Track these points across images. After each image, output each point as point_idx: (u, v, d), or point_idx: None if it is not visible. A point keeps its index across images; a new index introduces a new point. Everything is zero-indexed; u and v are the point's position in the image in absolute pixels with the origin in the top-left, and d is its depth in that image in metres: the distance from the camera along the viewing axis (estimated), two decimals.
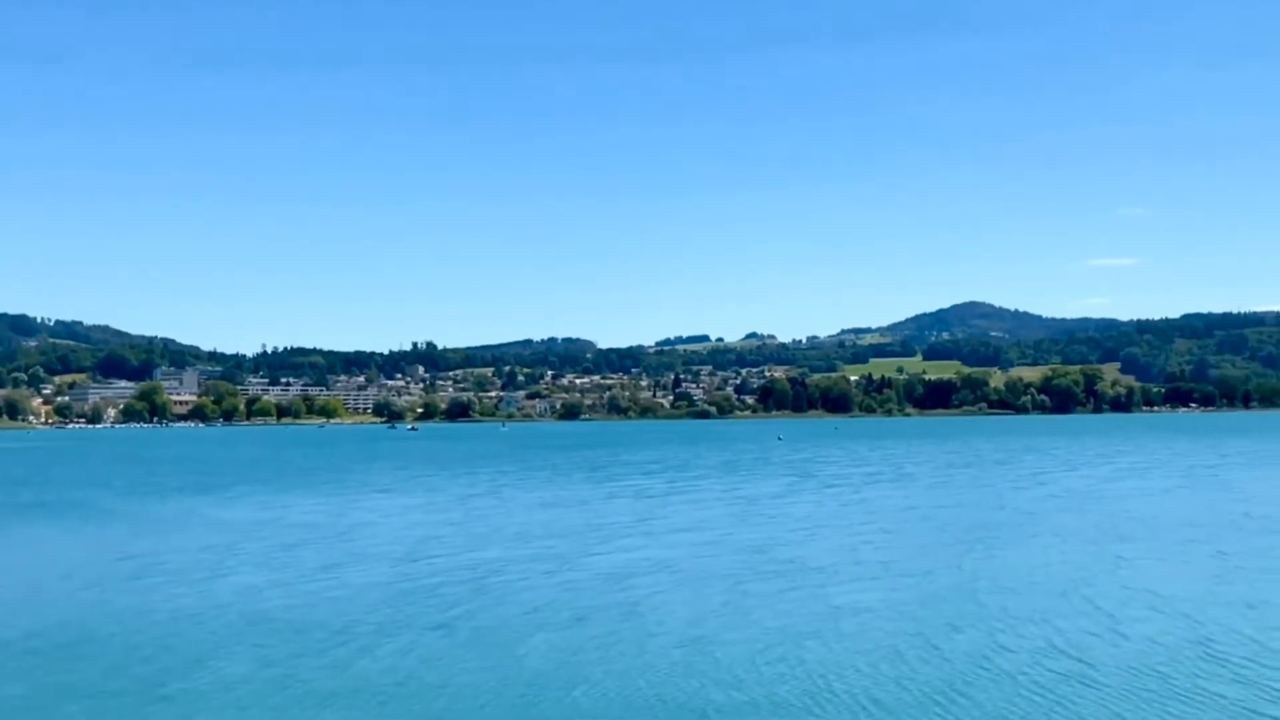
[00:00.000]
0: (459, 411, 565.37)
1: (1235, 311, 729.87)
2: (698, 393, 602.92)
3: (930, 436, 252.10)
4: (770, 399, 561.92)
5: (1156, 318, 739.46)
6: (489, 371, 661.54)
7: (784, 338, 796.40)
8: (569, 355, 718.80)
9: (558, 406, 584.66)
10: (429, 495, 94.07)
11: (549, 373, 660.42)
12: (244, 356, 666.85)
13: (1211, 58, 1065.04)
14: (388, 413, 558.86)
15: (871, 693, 26.94)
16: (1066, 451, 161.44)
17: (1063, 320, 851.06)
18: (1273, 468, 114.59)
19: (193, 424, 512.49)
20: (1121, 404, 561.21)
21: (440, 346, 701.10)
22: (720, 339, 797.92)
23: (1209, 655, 30.01)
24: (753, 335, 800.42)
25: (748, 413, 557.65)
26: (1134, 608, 36.72)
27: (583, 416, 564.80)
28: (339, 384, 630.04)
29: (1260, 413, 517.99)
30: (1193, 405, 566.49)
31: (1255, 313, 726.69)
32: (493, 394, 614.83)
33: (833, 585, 42.31)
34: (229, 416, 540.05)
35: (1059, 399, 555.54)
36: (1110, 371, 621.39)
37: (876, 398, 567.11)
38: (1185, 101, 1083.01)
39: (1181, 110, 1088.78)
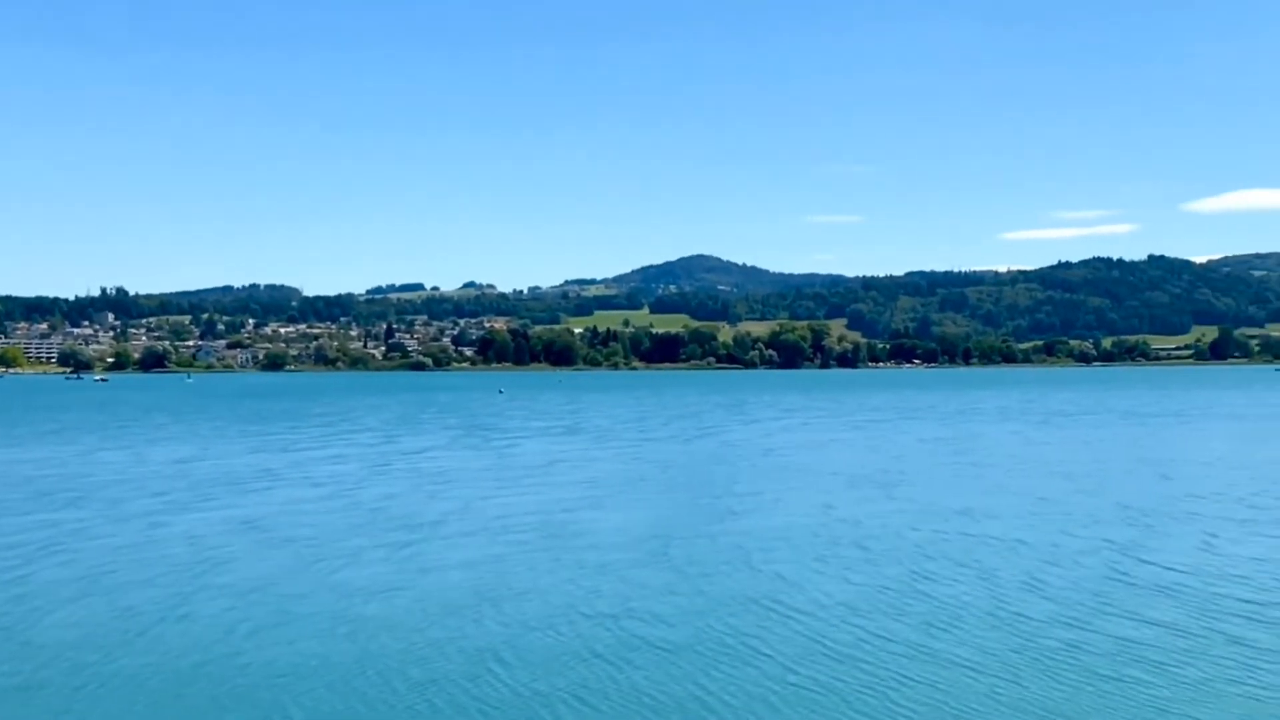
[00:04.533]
0: (153, 362, 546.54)
1: (956, 270, 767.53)
2: (412, 344, 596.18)
3: (644, 389, 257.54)
4: (490, 351, 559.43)
5: (882, 275, 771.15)
6: (186, 320, 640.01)
7: (504, 288, 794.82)
8: (273, 303, 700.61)
9: (260, 357, 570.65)
10: (44, 449, 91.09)
11: (251, 321, 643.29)
12: None
13: (934, 15, 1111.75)
14: (74, 362, 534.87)
15: (411, 654, 27.08)
16: (760, 406, 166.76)
17: (790, 275, 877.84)
18: (933, 423, 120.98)
19: None
20: (848, 359, 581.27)
21: (132, 293, 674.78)
22: (436, 288, 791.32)
23: (774, 612, 31.04)
24: (471, 285, 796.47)
25: (466, 365, 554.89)
26: (714, 562, 38.01)
27: (288, 368, 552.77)
28: (19, 331, 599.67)
29: (979, 369, 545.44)
30: (916, 361, 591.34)
31: (975, 272, 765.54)
32: (190, 343, 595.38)
33: (433, 541, 42.68)
34: None
35: (787, 354, 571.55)
36: (837, 327, 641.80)
37: (602, 351, 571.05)
38: (906, 58, 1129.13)
39: (902, 66, 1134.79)
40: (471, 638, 28.52)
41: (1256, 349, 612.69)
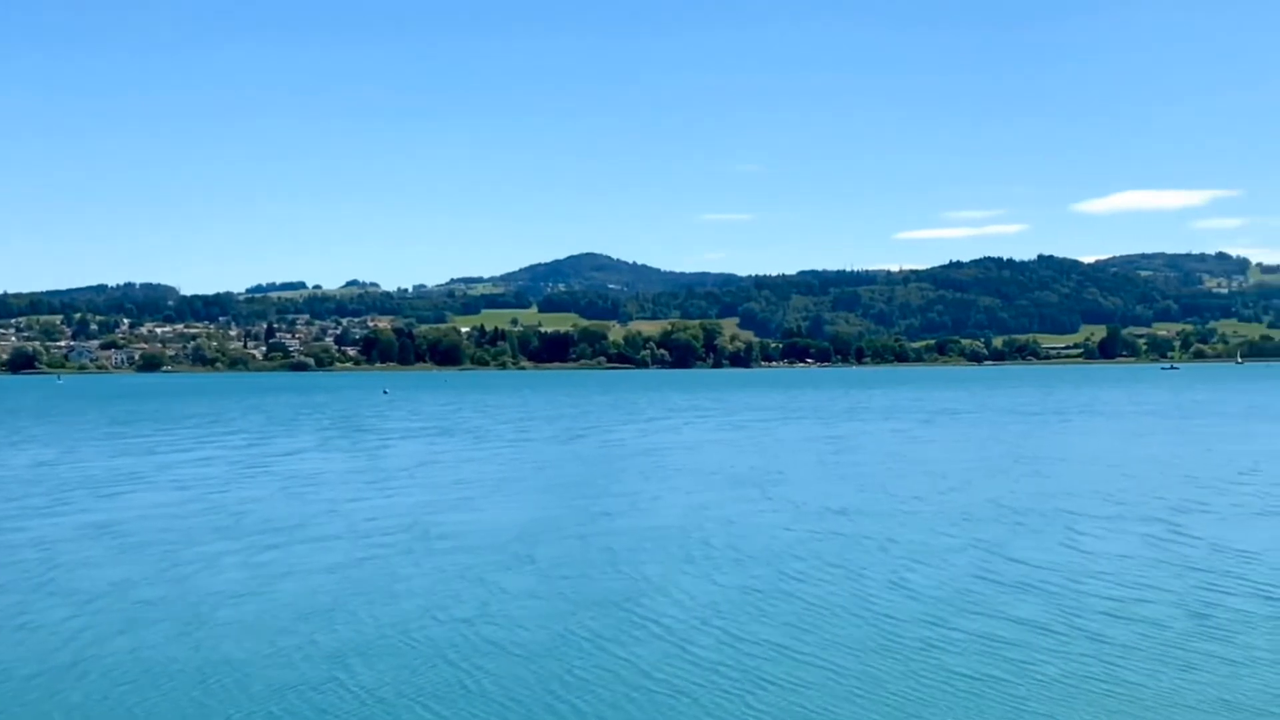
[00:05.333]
0: (23, 363, 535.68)
1: (849, 270, 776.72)
2: (294, 343, 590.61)
3: (530, 389, 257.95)
4: (374, 350, 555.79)
5: (774, 274, 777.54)
6: (58, 319, 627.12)
7: (388, 286, 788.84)
8: (148, 302, 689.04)
9: (136, 358, 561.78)
10: None
11: (126, 321, 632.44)
12: None
13: (827, 16, 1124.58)
14: None
15: (261, 660, 26.59)
16: (645, 405, 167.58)
17: (681, 274, 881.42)
18: (817, 422, 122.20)
19: None
20: (741, 359, 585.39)
21: (1, 291, 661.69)
22: (318, 286, 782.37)
23: (637, 614, 31.09)
24: (354, 283, 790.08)
25: (349, 365, 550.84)
26: (581, 564, 37.94)
27: (165, 368, 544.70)
28: None
29: (871, 368, 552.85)
30: (810, 360, 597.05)
31: (867, 271, 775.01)
32: (62, 344, 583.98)
33: (295, 545, 42.10)
34: None
35: (679, 353, 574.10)
36: (729, 326, 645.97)
37: (489, 350, 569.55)
38: (798, 58, 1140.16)
39: (795, 66, 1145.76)
40: (324, 644, 28.01)
41: (1144, 348, 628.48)
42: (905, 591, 32.97)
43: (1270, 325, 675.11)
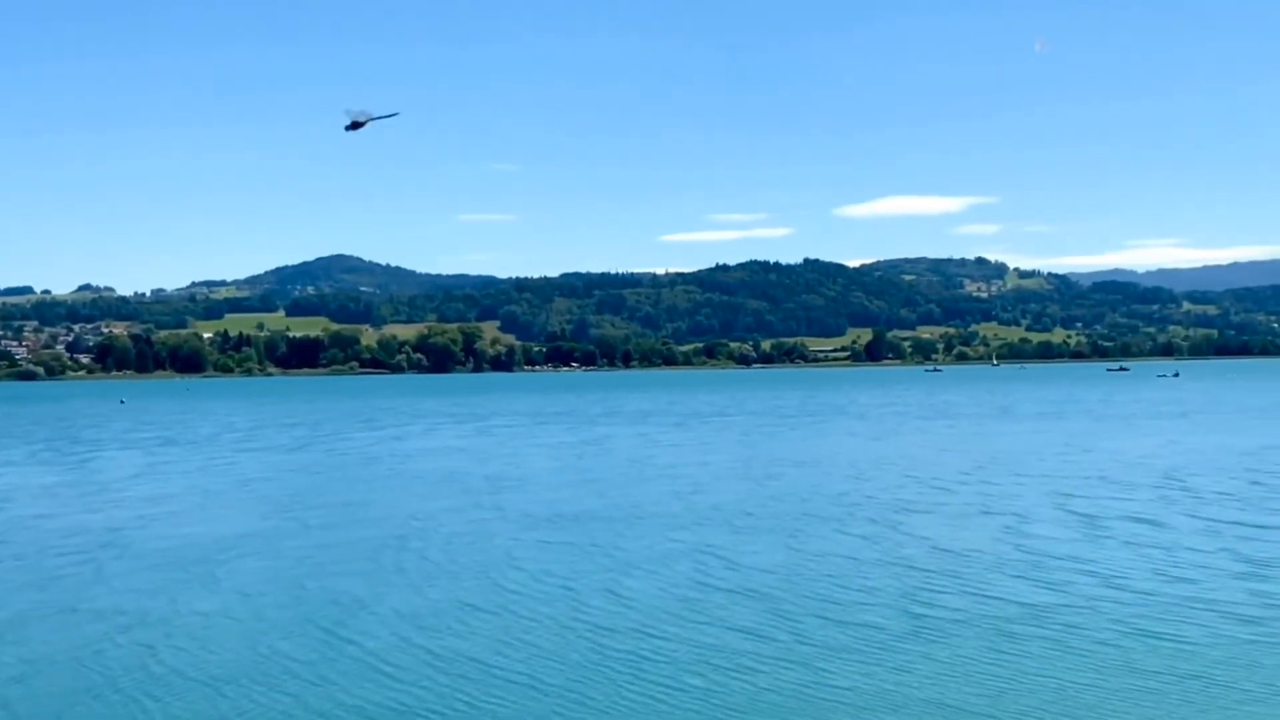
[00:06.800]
0: None
1: (614, 272, 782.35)
2: (21, 351, 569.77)
3: (273, 396, 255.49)
4: (110, 358, 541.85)
5: (536, 276, 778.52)
6: None
7: (124, 290, 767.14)
8: None
9: None
10: None
11: None
12: None
13: (586, 22, 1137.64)
14: None
15: None
16: (391, 412, 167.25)
17: (439, 276, 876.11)
18: (566, 427, 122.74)
19: None
20: (503, 363, 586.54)
21: None
22: (47, 291, 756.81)
23: (332, 632, 30.37)
24: (87, 287, 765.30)
25: (83, 373, 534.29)
26: (279, 579, 37.01)
27: None
28: None
29: (639, 371, 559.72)
30: (575, 364, 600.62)
31: (633, 274, 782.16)
32: None
33: None
34: None
35: (437, 357, 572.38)
36: (490, 330, 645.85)
37: (234, 356, 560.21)
38: (560, 64, 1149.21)
39: (556, 71, 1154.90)
40: None
41: (909, 350, 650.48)
42: (621, 601, 32.71)
43: (1028, 328, 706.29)
